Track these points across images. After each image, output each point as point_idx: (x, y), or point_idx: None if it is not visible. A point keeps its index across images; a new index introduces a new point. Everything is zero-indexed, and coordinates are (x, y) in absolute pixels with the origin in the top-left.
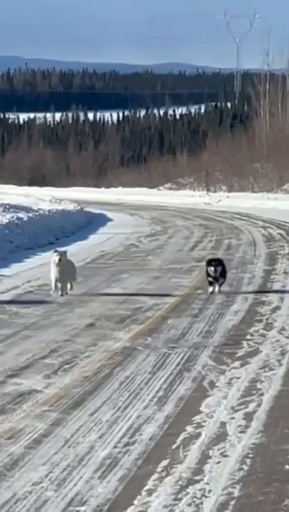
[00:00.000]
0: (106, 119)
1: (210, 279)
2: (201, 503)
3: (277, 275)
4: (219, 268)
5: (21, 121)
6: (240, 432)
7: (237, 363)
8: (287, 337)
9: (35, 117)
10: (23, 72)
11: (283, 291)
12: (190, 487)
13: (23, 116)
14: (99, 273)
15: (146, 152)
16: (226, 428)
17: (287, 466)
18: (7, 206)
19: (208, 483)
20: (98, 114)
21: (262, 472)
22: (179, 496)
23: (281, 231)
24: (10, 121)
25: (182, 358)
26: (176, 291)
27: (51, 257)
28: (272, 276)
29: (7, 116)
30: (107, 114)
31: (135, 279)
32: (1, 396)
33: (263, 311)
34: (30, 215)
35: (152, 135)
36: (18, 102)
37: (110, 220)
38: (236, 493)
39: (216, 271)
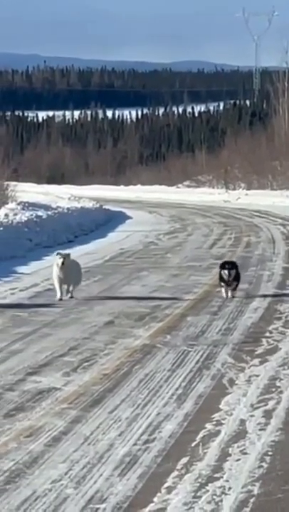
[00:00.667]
0: (125, 117)
1: (222, 283)
2: (221, 500)
3: None
4: (233, 272)
5: (40, 119)
6: (260, 430)
7: (256, 361)
8: None
9: (54, 115)
10: (41, 70)
11: None
12: (210, 484)
13: (41, 115)
14: (118, 271)
15: (165, 150)
16: (245, 426)
17: None
18: (26, 204)
19: (227, 481)
20: (117, 112)
21: (281, 470)
22: (199, 494)
23: None
24: (29, 120)
25: (201, 356)
26: (195, 289)
27: (53, 260)
28: None
29: (26, 114)
30: (125, 112)
31: (154, 276)
32: (21, 394)
33: (282, 308)
34: (49, 213)
35: (171, 133)
36: (36, 100)
37: (129, 217)
38: (256, 491)
39: (229, 274)
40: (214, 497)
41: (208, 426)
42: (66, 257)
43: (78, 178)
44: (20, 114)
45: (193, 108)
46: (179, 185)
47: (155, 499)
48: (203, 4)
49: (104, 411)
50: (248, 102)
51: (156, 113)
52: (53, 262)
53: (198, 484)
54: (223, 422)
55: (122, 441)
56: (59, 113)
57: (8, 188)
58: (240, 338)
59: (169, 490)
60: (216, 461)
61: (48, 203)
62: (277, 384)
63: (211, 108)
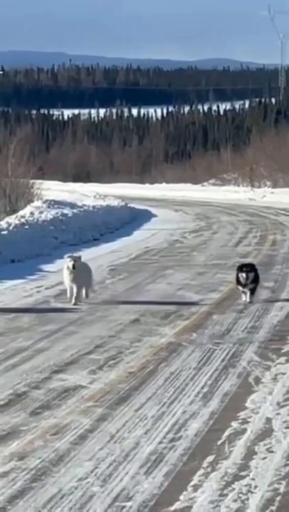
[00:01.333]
0: (150, 115)
1: (240, 287)
2: (247, 498)
3: None
4: (251, 274)
5: (66, 117)
6: (286, 428)
7: (282, 359)
8: None
9: (79, 113)
10: (67, 68)
11: None
12: (236, 483)
13: (67, 113)
14: (144, 269)
15: (191, 148)
16: (271, 424)
17: None
18: (52, 202)
19: (253, 479)
20: (142, 110)
21: None
22: (225, 492)
23: None
24: (54, 118)
25: (227, 354)
26: (220, 287)
27: (64, 263)
28: None
29: (52, 112)
30: (151, 110)
31: (180, 274)
32: (47, 392)
33: None
34: (75, 211)
35: (196, 131)
36: (62, 99)
37: (154, 215)
38: (282, 489)
39: (247, 278)
40: (240, 495)
41: (234, 424)
42: (77, 259)
43: (103, 176)
44: (46, 112)
45: (218, 106)
46: (204, 184)
47: (181, 497)
48: (229, 2)
49: (130, 409)
50: (273, 100)
51: (182, 111)
52: (63, 265)
53: (224, 482)
54: (249, 420)
55: (148, 440)
56: (84, 111)
57: (33, 186)
58: (266, 336)
59: (195, 488)
60: (242, 460)
61: (73, 201)
62: None
63: (237, 106)
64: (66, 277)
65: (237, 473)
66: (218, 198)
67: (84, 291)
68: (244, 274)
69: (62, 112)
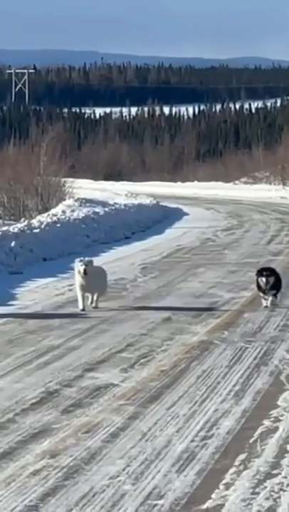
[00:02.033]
0: (182, 114)
1: (260, 292)
2: (279, 497)
3: None
4: (272, 279)
5: (97, 115)
6: None
7: None
8: None
9: (111, 112)
10: (98, 66)
11: None
12: (268, 481)
13: (99, 111)
14: (175, 267)
15: (222, 146)
16: None
17: None
18: (83, 201)
19: (286, 477)
20: (174, 109)
21: None
22: (257, 490)
23: None
24: (86, 116)
25: (259, 352)
26: (252, 285)
27: (76, 267)
28: None
29: (83, 111)
30: (182, 109)
31: (211, 273)
32: (79, 390)
33: None
34: (107, 209)
35: (228, 129)
36: (94, 97)
37: (186, 214)
38: None
39: (267, 282)
40: (272, 493)
41: (266, 422)
42: (88, 264)
43: (135, 174)
44: (78, 110)
45: (250, 104)
46: (236, 182)
47: (213, 495)
48: (261, 0)
49: (162, 407)
50: None
51: (213, 109)
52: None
53: (256, 481)
54: (281, 418)
55: (180, 438)
56: (116, 109)
57: (65, 184)
58: None
59: (227, 486)
60: (274, 458)
61: (105, 199)
62: None
63: (268, 104)
64: (78, 282)
65: (269, 471)
66: (250, 196)
67: (95, 298)
68: (264, 279)
69: (94, 111)
